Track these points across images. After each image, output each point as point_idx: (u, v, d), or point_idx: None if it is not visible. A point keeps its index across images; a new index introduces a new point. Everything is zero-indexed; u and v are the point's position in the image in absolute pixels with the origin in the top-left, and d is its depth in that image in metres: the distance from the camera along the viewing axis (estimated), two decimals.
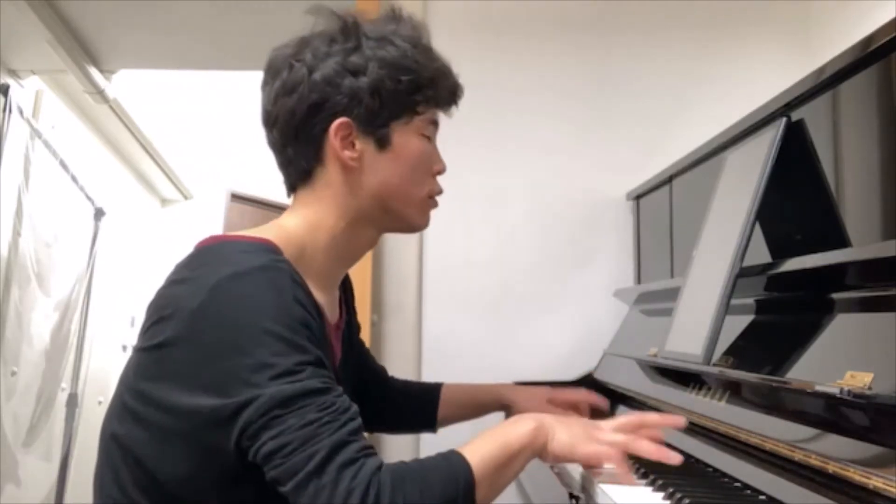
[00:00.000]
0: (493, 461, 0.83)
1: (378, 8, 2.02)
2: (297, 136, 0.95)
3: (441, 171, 1.03)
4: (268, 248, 0.88)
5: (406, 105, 0.96)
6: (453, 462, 0.82)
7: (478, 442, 0.86)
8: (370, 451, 0.80)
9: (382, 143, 0.96)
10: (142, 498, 0.85)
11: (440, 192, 1.03)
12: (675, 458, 0.87)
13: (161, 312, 0.85)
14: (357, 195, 0.96)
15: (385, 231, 1.04)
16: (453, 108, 1.04)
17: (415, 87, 0.96)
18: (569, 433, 0.88)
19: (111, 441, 0.88)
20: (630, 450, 0.89)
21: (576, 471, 1.05)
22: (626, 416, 0.94)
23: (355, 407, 0.83)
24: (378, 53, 0.94)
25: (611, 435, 0.90)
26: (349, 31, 0.95)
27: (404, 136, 0.97)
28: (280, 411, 0.77)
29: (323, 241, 0.96)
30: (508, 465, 0.85)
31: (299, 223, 0.96)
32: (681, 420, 0.96)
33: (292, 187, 1.00)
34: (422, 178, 0.99)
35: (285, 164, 0.99)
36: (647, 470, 0.97)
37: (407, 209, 1.00)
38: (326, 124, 0.93)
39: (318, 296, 0.92)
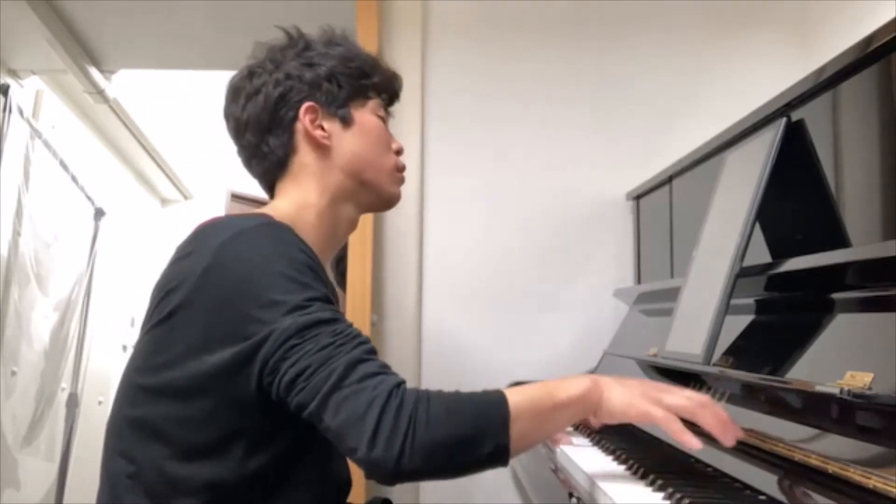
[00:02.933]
0: (535, 403, 0.82)
1: (377, 8, 2.02)
2: (269, 128, 1.04)
3: (399, 150, 1.12)
4: (265, 216, 0.96)
5: (359, 88, 1.08)
6: (490, 393, 0.82)
7: (525, 386, 0.86)
8: (389, 369, 0.82)
9: (346, 121, 1.06)
10: (158, 479, 0.86)
11: (404, 167, 1.12)
12: (730, 440, 0.84)
13: (168, 286, 0.90)
14: (333, 171, 1.05)
15: (363, 207, 1.10)
16: (397, 100, 1.15)
17: (363, 73, 1.08)
18: (625, 392, 0.86)
19: (125, 427, 0.89)
20: (691, 416, 0.84)
21: (578, 471, 1.05)
22: (692, 391, 0.89)
23: (366, 336, 0.86)
24: (327, 50, 1.07)
25: (671, 398, 0.86)
26: (295, 38, 1.08)
27: (363, 114, 1.08)
28: (296, 340, 0.81)
29: (311, 219, 1.03)
30: (551, 414, 0.84)
31: (288, 204, 1.03)
32: (738, 432, 0.86)
33: (271, 185, 1.08)
34: (386, 149, 1.09)
35: (261, 162, 1.07)
36: (647, 470, 0.97)
37: (379, 178, 1.08)
38: (294, 111, 1.04)
39: None
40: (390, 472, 0.76)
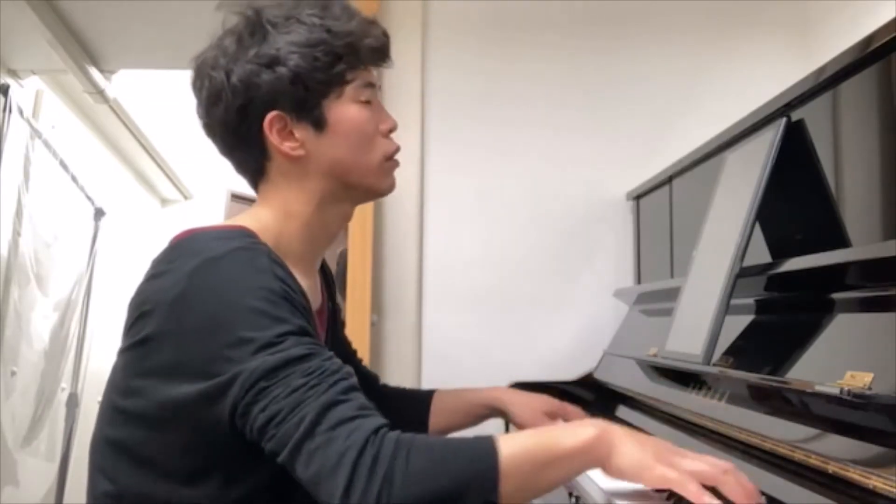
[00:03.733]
0: (531, 457, 0.74)
1: (377, 8, 2.02)
2: (236, 141, 0.96)
3: (391, 129, 1.00)
4: (243, 233, 0.89)
5: (330, 80, 0.94)
6: (480, 444, 0.74)
7: (522, 433, 0.79)
8: (368, 411, 0.76)
9: (319, 125, 0.94)
10: (139, 502, 0.84)
11: (396, 149, 1.01)
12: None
13: (141, 308, 0.85)
14: (313, 178, 0.96)
15: (356, 202, 1.03)
16: (388, 61, 1.01)
17: (334, 59, 0.93)
18: (639, 451, 0.77)
19: (106, 446, 0.87)
20: (713, 482, 0.76)
21: None
22: (713, 458, 0.80)
23: (347, 368, 0.80)
24: (287, 38, 0.92)
25: (691, 463, 0.77)
26: (254, 24, 0.94)
27: (339, 110, 0.95)
28: (265, 383, 0.76)
29: (296, 227, 0.96)
30: (550, 467, 0.75)
31: (270, 212, 0.97)
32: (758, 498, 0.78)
33: (254, 185, 1.01)
34: (369, 144, 0.97)
35: (238, 167, 1.01)
36: None
37: (366, 179, 0.98)
38: (259, 123, 0.93)
39: (300, 280, 0.91)
40: None
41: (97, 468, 0.88)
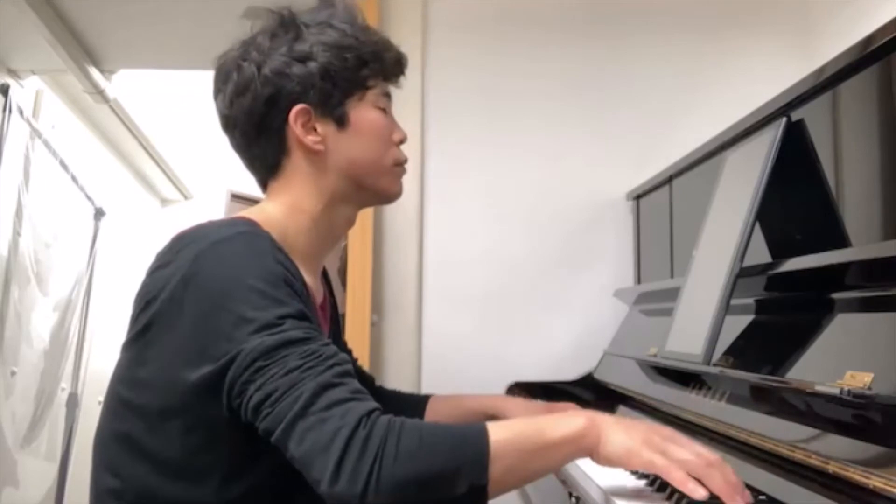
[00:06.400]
0: (520, 443, 0.76)
1: (377, 8, 2.02)
2: (258, 132, 0.97)
3: (402, 140, 1.05)
4: (245, 222, 0.91)
5: (356, 81, 0.98)
6: (471, 428, 0.76)
7: (513, 421, 0.81)
8: (361, 395, 0.77)
9: (341, 122, 0.98)
10: (142, 499, 0.84)
11: (405, 159, 1.05)
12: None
13: (147, 297, 0.87)
14: (328, 176, 0.99)
15: (363, 206, 1.06)
16: (402, 80, 1.06)
17: (360, 63, 0.98)
18: (627, 437, 0.78)
19: (112, 440, 0.88)
20: (698, 475, 0.76)
21: (576, 469, 1.05)
22: (703, 447, 0.80)
23: (343, 355, 0.81)
24: (319, 38, 0.97)
25: (680, 452, 0.77)
26: (287, 23, 0.99)
27: (360, 112, 0.99)
28: (262, 362, 0.77)
29: (304, 223, 0.98)
30: (539, 454, 0.77)
31: (278, 207, 0.98)
32: (747, 498, 0.77)
33: (264, 184, 1.03)
34: (384, 147, 1.01)
35: (252, 162, 1.02)
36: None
37: (378, 180, 1.02)
38: (285, 115, 0.96)
39: (304, 275, 0.92)
40: None
41: (102, 464, 0.88)
